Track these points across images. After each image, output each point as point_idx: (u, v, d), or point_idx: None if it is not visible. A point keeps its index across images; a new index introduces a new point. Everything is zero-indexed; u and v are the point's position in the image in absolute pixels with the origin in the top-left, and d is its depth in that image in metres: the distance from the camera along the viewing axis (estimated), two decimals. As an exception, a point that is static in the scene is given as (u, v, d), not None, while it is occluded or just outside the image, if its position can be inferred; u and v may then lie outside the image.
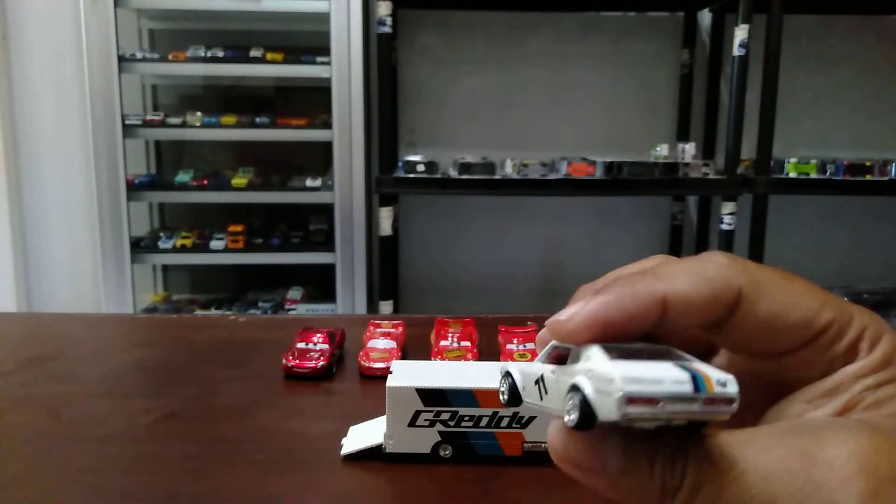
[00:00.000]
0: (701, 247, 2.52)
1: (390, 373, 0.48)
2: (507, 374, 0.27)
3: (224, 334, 0.77)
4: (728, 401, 0.21)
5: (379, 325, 0.72)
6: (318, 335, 0.67)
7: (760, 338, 0.24)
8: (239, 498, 0.44)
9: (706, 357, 0.26)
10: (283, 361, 0.63)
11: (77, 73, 2.12)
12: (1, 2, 2.22)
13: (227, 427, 0.54)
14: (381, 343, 0.68)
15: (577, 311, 0.23)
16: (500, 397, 0.27)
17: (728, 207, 2.06)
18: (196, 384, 0.62)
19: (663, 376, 0.20)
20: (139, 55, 2.10)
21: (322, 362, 0.63)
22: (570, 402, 0.22)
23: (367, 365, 0.64)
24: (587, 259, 2.53)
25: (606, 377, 0.20)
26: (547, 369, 0.24)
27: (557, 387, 0.23)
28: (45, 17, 2.23)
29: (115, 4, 1.98)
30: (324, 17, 2.01)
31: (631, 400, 0.20)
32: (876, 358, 0.23)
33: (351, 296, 2.13)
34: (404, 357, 0.69)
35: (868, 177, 2.08)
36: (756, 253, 2.07)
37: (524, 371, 0.26)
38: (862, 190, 2.12)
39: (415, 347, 0.72)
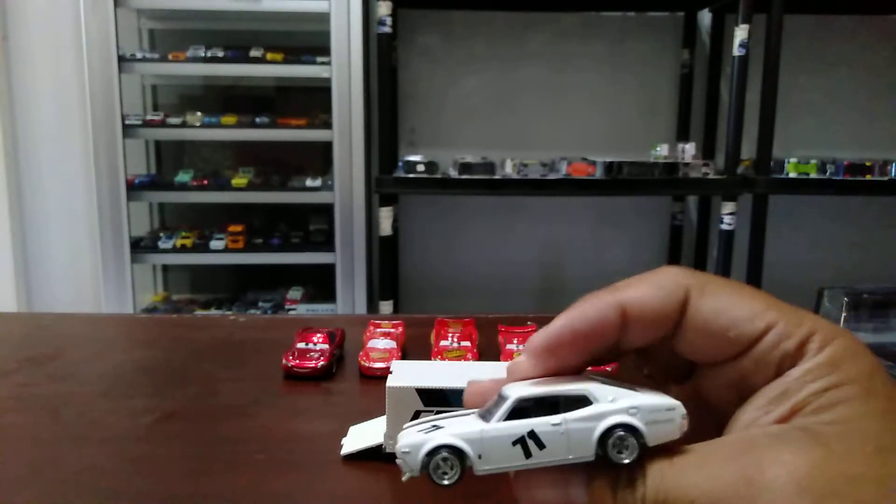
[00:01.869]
0: (701, 247, 2.52)
1: (390, 373, 0.48)
2: (443, 449, 0.24)
3: (224, 334, 0.77)
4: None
5: (379, 325, 0.72)
6: (318, 335, 0.67)
7: (708, 335, 0.25)
8: (239, 498, 0.44)
9: (686, 374, 0.28)
10: (283, 361, 0.63)
11: (77, 73, 2.12)
12: (1, 2, 2.22)
13: (227, 427, 0.54)
14: (381, 343, 0.68)
15: (546, 331, 0.25)
16: (440, 480, 0.24)
17: (728, 207, 2.06)
18: (196, 384, 0.62)
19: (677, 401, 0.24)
20: (139, 55, 2.10)
21: (322, 362, 0.63)
22: (620, 442, 0.23)
23: (367, 365, 0.64)
24: (587, 259, 2.53)
25: (665, 406, 0.24)
26: (538, 423, 0.24)
27: (573, 435, 0.23)
28: (45, 17, 2.23)
29: (115, 4, 1.98)
30: (324, 17, 2.01)
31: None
32: (822, 360, 0.23)
33: (351, 296, 2.13)
34: (404, 357, 0.69)
35: (868, 177, 2.08)
36: (756, 253, 2.07)
37: (473, 439, 0.24)
38: (862, 190, 2.12)
39: (415, 347, 0.72)
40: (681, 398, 0.25)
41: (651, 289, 0.25)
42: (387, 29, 1.95)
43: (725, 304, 0.25)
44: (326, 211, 2.16)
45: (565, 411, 0.24)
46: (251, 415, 0.56)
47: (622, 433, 0.23)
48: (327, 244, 2.16)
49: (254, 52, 2.10)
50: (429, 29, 2.41)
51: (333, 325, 0.71)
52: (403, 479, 0.25)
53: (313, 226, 2.27)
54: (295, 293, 2.28)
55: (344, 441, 0.49)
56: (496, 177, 2.01)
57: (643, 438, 0.23)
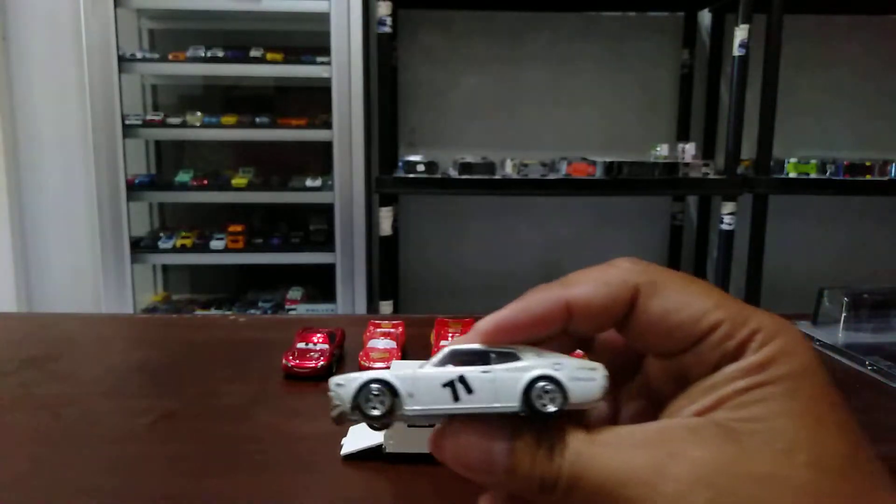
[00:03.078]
0: (701, 247, 2.52)
1: (390, 373, 0.48)
2: (374, 382, 0.25)
3: (224, 334, 0.77)
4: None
5: (379, 325, 0.72)
6: (318, 335, 0.67)
7: (655, 333, 0.25)
8: (239, 498, 0.44)
9: (637, 364, 0.29)
10: (283, 361, 0.63)
11: (77, 73, 2.12)
12: (1, 2, 2.22)
13: (227, 427, 0.54)
14: (381, 343, 0.68)
15: (491, 317, 0.26)
16: (369, 411, 0.25)
17: (728, 207, 2.06)
18: (196, 384, 0.62)
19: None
20: (139, 55, 2.10)
21: (322, 362, 0.63)
22: (545, 393, 0.24)
23: (367, 365, 0.64)
24: (587, 259, 2.49)
25: (588, 366, 0.25)
26: (469, 370, 0.25)
27: (500, 384, 0.24)
28: (45, 17, 2.23)
29: (115, 4, 1.98)
30: (324, 17, 2.01)
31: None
32: (756, 359, 0.24)
33: (351, 296, 2.13)
34: (404, 357, 0.69)
35: (868, 177, 2.08)
36: (756, 253, 2.07)
37: (405, 377, 0.25)
38: (862, 190, 2.12)
39: (415, 347, 0.72)
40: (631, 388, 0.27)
41: (598, 287, 0.26)
42: (387, 29, 1.95)
43: (673, 305, 0.25)
44: (326, 211, 2.16)
45: (495, 363, 0.25)
46: (251, 415, 0.56)
47: (545, 384, 0.24)
48: (327, 244, 2.16)
49: (254, 52, 2.10)
50: (429, 29, 2.41)
51: (333, 325, 0.71)
52: (333, 413, 0.25)
53: (313, 226, 2.27)
54: (295, 293, 2.28)
55: (344, 441, 0.49)
56: (496, 177, 2.01)
57: (566, 392, 0.24)
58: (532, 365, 0.25)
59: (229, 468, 0.47)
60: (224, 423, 0.54)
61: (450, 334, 0.70)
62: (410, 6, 2.28)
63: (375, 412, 0.25)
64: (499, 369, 0.25)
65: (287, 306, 2.24)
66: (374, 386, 0.25)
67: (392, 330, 0.71)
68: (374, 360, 0.64)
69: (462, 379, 0.24)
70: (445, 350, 0.26)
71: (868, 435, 0.24)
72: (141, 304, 2.24)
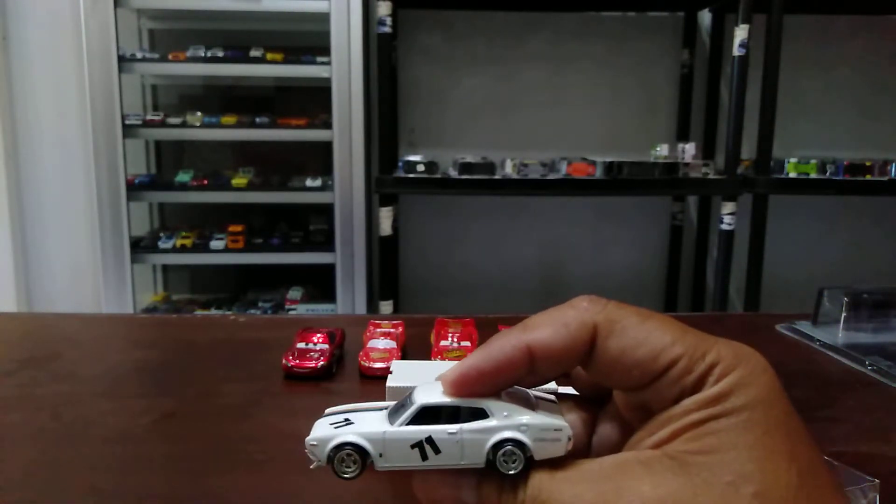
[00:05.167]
0: (701, 247, 2.52)
1: (390, 373, 0.48)
2: (344, 446, 0.26)
3: (224, 334, 0.77)
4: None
5: (379, 325, 0.72)
6: (318, 335, 0.67)
7: (615, 371, 0.26)
8: (239, 498, 0.44)
9: (605, 399, 0.29)
10: (283, 361, 0.63)
11: (77, 73, 2.12)
12: (1, 2, 2.22)
13: (227, 427, 0.54)
14: (381, 343, 0.68)
15: (456, 367, 0.26)
16: (342, 473, 0.27)
17: (728, 207, 2.06)
18: (196, 384, 0.62)
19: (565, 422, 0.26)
20: (139, 55, 2.10)
21: (322, 362, 0.63)
22: (510, 455, 0.25)
23: (367, 365, 0.64)
24: (587, 259, 2.53)
25: (553, 426, 0.26)
26: (436, 430, 0.26)
27: (467, 444, 0.26)
28: (45, 17, 2.23)
29: (115, 4, 1.98)
30: (324, 17, 2.01)
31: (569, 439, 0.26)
32: (713, 392, 0.24)
33: (351, 296, 2.13)
34: (404, 357, 0.69)
35: (868, 177, 2.08)
36: (756, 253, 2.07)
37: (375, 438, 0.26)
38: (862, 190, 2.12)
39: (415, 347, 0.72)
40: (607, 414, 0.28)
41: (557, 329, 0.26)
42: (387, 29, 1.95)
43: (631, 343, 0.25)
44: (326, 211, 2.16)
45: (464, 421, 0.26)
46: (251, 415, 0.56)
47: (511, 447, 0.25)
48: (327, 244, 2.16)
49: (254, 52, 2.10)
50: (429, 29, 2.41)
51: (333, 325, 0.71)
52: (312, 467, 0.27)
53: (313, 226, 2.27)
54: (295, 293, 2.28)
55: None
56: (496, 177, 2.01)
57: (530, 452, 0.25)
58: (498, 426, 0.26)
59: (229, 468, 0.47)
60: (224, 423, 0.54)
61: (450, 334, 0.70)
62: (410, 6, 2.28)
63: (347, 475, 0.27)
64: (466, 430, 0.26)
65: (287, 306, 2.24)
66: (346, 450, 0.26)
67: (392, 330, 0.71)
68: (374, 360, 0.64)
69: (430, 440, 0.26)
70: (416, 405, 0.26)
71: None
72: (141, 304, 2.24)
